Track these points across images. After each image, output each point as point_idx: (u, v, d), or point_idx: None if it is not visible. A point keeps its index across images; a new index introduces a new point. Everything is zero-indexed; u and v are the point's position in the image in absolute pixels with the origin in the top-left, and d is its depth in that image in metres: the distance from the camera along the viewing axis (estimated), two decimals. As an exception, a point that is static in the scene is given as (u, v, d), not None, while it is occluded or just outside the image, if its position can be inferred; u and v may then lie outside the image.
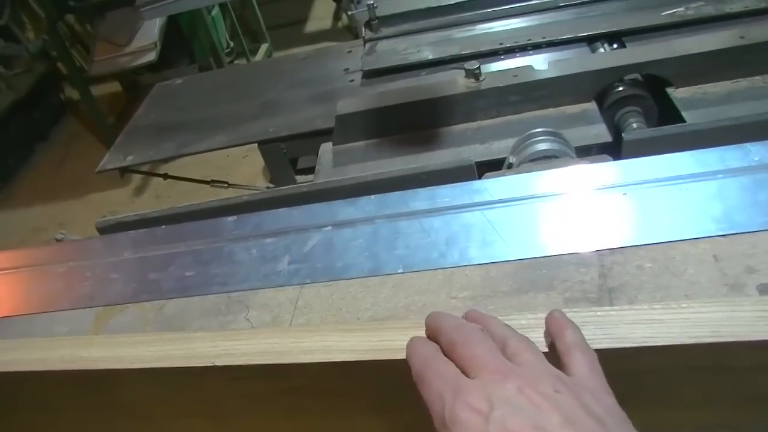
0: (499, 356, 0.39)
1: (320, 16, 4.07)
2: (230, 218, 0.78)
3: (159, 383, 0.53)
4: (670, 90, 0.97)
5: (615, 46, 1.15)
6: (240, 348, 0.49)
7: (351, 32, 3.51)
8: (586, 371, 0.38)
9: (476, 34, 1.28)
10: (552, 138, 0.87)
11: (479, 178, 0.84)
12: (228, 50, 3.40)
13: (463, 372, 0.39)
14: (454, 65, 1.18)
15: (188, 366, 0.49)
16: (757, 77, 0.95)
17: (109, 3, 3.02)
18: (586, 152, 0.92)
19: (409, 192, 0.74)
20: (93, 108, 3.28)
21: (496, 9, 1.29)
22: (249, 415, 0.54)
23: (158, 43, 2.94)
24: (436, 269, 0.64)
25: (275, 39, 3.78)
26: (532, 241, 0.63)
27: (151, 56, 2.92)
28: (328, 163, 1.04)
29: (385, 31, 1.35)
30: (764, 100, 0.91)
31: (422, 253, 0.66)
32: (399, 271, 0.65)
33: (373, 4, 1.33)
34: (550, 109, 1.00)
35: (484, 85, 1.01)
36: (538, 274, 0.61)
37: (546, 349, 0.43)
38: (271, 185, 1.30)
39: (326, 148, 1.07)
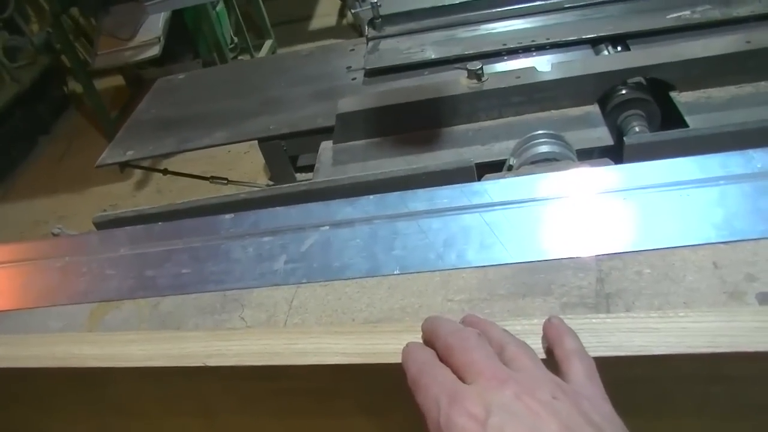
0: (497, 362, 0.38)
1: (325, 13, 4.07)
2: (227, 216, 0.78)
3: (151, 382, 0.52)
4: (673, 94, 0.96)
5: (619, 48, 1.14)
6: (232, 348, 0.48)
7: (356, 30, 3.50)
8: (583, 379, 0.38)
9: (480, 34, 1.27)
10: (553, 141, 0.87)
11: (479, 179, 0.83)
12: (232, 46, 3.39)
13: (460, 378, 0.38)
14: (457, 65, 1.18)
15: (180, 366, 0.49)
16: (763, 83, 0.94)
17: (113, -3, 3.03)
18: (588, 155, 0.91)
19: (408, 193, 0.73)
20: (96, 102, 3.28)
21: (500, 9, 1.29)
22: (240, 415, 0.54)
23: (162, 38, 2.94)
24: (434, 271, 0.63)
25: (279, 35, 3.78)
26: (530, 244, 0.63)
27: (155, 51, 2.92)
28: (328, 161, 1.04)
29: (389, 29, 1.35)
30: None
31: (420, 254, 0.65)
32: (396, 273, 0.64)
33: (376, 2, 1.32)
34: (553, 111, 0.99)
35: (487, 85, 1.00)
36: (535, 278, 0.60)
37: (543, 356, 0.43)
38: (271, 182, 1.30)
39: (326, 147, 1.07)
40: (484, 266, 0.62)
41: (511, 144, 0.91)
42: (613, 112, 0.97)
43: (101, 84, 3.53)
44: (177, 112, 1.34)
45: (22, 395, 0.62)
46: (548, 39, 1.18)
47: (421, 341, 0.44)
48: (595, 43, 1.17)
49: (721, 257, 0.57)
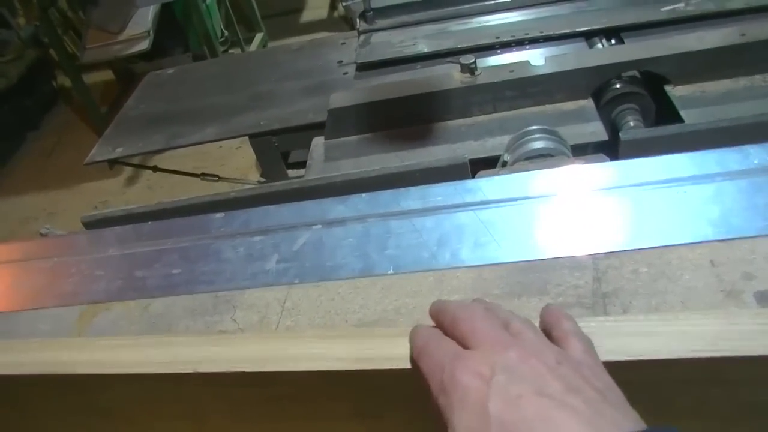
0: (502, 330, 0.39)
1: (316, 6, 4.04)
2: (218, 215, 0.77)
3: (140, 388, 0.51)
4: (668, 88, 0.95)
5: (613, 42, 1.13)
6: (223, 354, 0.47)
7: (347, 22, 3.48)
8: (582, 354, 0.38)
9: (473, 28, 1.26)
10: (548, 136, 0.86)
11: (473, 175, 0.83)
12: (222, 39, 3.36)
13: (465, 346, 0.38)
14: (449, 59, 1.16)
15: (170, 372, 0.48)
16: (758, 76, 0.93)
17: (102, -10, 2.99)
18: (582, 150, 0.90)
19: (401, 190, 0.72)
20: (85, 96, 3.25)
21: (493, 2, 1.28)
22: (231, 420, 0.53)
23: (151, 32, 2.91)
24: (427, 271, 0.62)
25: (271, 28, 3.75)
26: (525, 243, 0.62)
27: (144, 45, 2.89)
28: (320, 157, 1.02)
29: (380, 22, 1.33)
30: (764, 99, 0.90)
31: (413, 253, 0.64)
32: (389, 273, 0.63)
33: (368, -6, 1.31)
34: (547, 105, 0.98)
35: (480, 80, 0.99)
36: (531, 277, 0.59)
37: None
38: (262, 179, 1.28)
39: (318, 143, 1.05)
40: (479, 265, 0.61)
41: (505, 139, 0.90)
42: (607, 106, 0.96)
43: (90, 78, 3.50)
44: (166, 107, 1.33)
45: (7, 401, 0.61)
46: (542, 32, 1.16)
47: None
48: (588, 36, 1.15)
49: (719, 255, 0.57)
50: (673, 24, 1.11)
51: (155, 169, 1.44)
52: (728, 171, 0.64)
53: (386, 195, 0.72)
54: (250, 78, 1.35)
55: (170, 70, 1.51)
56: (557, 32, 1.16)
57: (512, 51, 1.17)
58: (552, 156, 0.83)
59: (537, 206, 0.66)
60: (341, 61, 1.30)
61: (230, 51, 3.44)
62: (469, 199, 0.68)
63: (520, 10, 1.26)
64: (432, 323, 0.45)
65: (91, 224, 0.92)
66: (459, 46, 1.18)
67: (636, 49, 1.00)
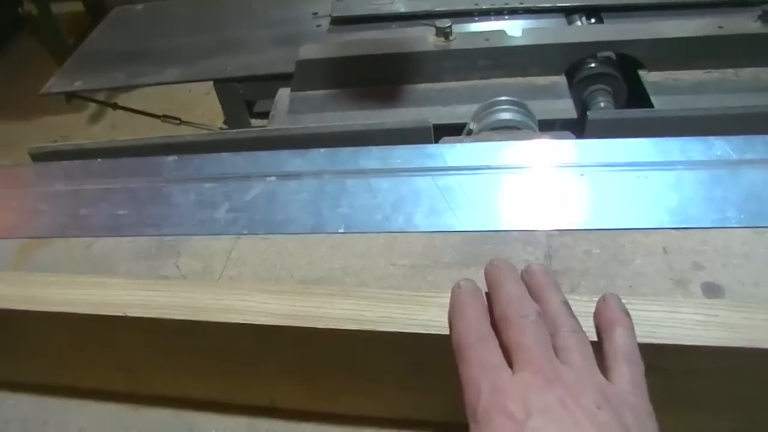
0: (548, 351, 0.36)
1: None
2: (171, 158, 0.74)
3: (69, 329, 0.49)
4: (642, 73, 0.94)
5: (593, 21, 1.12)
6: (156, 300, 0.45)
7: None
8: (629, 386, 0.35)
9: (453, -8, 1.23)
10: (516, 108, 0.84)
11: (436, 141, 0.81)
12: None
13: (508, 357, 0.36)
14: (426, 21, 1.14)
15: (99, 314, 0.46)
16: (730, 70, 0.93)
17: None
18: (550, 126, 0.89)
19: (361, 149, 0.70)
20: (52, 26, 3.13)
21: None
22: (164, 371, 0.51)
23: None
24: (379, 233, 0.61)
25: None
26: (481, 213, 0.61)
27: (117, -23, 2.78)
28: (284, 108, 1.00)
29: (360, -23, 1.30)
30: (733, 93, 0.90)
31: (366, 214, 0.63)
32: (340, 231, 0.62)
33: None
34: (519, 78, 0.96)
35: (454, 45, 0.97)
36: (483, 248, 0.58)
37: (593, 336, 0.40)
38: (225, 126, 1.25)
39: (283, 94, 1.02)
40: (432, 232, 0.60)
41: (473, 108, 0.89)
42: (579, 85, 0.95)
43: (59, 8, 3.36)
44: (131, 44, 1.28)
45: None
46: (521, 3, 1.14)
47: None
48: (569, 12, 1.14)
49: (672, 243, 0.57)
50: (655, 9, 1.11)
51: (115, 106, 1.39)
52: (690, 160, 0.63)
53: (345, 152, 0.70)
54: (220, 22, 1.30)
55: (139, 6, 1.45)
56: (537, 5, 1.14)
57: (490, 20, 1.15)
58: (518, 129, 0.82)
59: (497, 177, 0.65)
60: (316, 13, 1.27)
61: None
62: (429, 164, 0.67)
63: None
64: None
65: (39, 156, 0.89)
66: (437, 9, 1.15)
67: (613, 30, 0.99)
